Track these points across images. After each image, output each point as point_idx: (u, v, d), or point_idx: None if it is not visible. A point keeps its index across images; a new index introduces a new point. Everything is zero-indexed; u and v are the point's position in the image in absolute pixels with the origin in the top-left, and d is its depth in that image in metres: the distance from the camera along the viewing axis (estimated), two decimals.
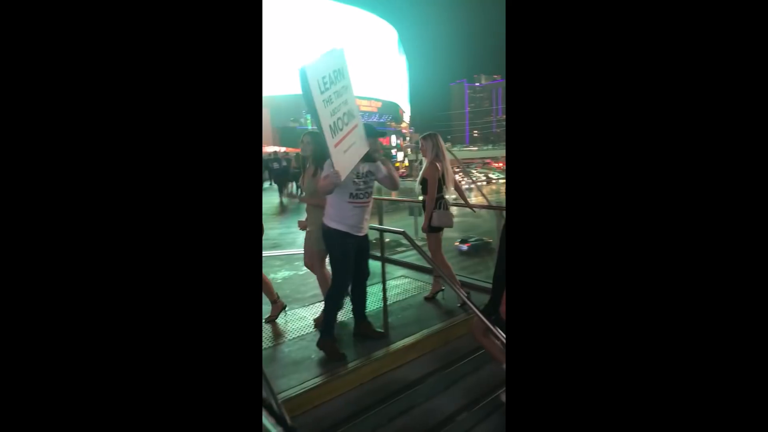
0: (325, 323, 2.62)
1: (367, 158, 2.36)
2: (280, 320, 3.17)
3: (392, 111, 48.18)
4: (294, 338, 2.90)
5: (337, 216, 2.42)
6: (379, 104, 44.34)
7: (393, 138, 45.57)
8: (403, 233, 2.85)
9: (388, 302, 3.35)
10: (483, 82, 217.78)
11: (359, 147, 2.15)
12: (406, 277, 4.13)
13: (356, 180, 2.36)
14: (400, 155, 45.77)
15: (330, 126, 1.95)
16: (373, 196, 2.56)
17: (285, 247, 5.35)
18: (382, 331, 2.89)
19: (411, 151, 46.58)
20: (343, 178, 2.10)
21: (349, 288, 2.70)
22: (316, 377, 2.41)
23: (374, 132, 2.49)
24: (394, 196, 5.48)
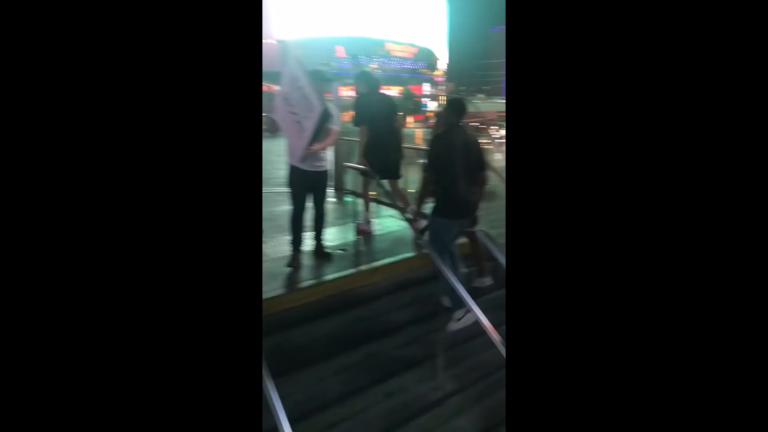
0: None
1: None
2: (269, 244, 3.67)
3: (428, 58, 46.38)
4: (279, 257, 3.40)
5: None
6: (416, 50, 42.83)
7: (426, 86, 44.30)
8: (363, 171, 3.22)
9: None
10: None
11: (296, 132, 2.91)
12: (392, 216, 4.54)
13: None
14: (431, 105, 44.71)
15: (285, 94, 2.89)
16: None
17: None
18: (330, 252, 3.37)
19: (444, 100, 45.17)
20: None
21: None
22: (287, 286, 2.91)
23: (321, 78, 3.04)
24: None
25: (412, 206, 3.24)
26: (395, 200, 3.81)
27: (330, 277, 3.09)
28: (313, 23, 29.39)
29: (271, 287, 2.92)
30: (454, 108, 2.79)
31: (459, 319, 2.79)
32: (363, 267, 3.28)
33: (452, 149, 2.64)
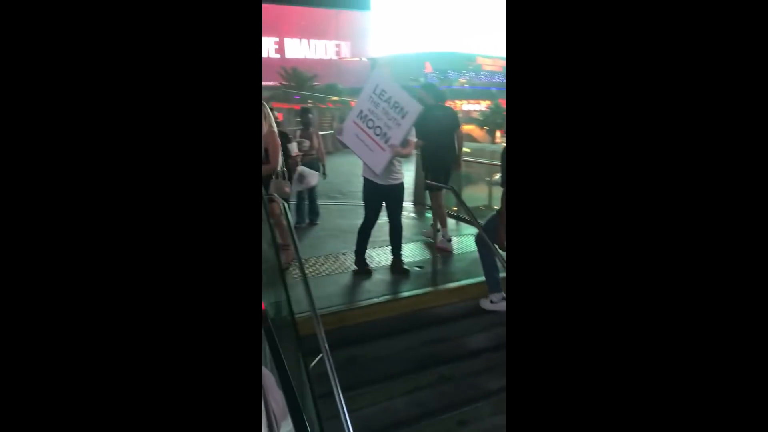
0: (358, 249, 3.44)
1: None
2: (349, 256, 3.77)
3: None
4: (356, 269, 3.47)
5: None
6: (504, 63, 41.72)
7: None
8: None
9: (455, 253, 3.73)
10: None
11: (370, 157, 3.02)
12: (473, 235, 4.41)
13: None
14: None
15: (361, 110, 2.98)
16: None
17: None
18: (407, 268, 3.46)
19: None
20: (337, 136, 3.22)
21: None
22: (365, 299, 2.95)
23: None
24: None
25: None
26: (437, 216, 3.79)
27: (406, 294, 3.08)
28: (404, 40, 30.11)
29: (347, 299, 2.98)
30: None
31: (492, 302, 3.05)
32: (440, 286, 3.22)
33: None
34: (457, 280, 3.30)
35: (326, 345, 1.85)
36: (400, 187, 3.25)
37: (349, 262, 3.63)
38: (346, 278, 3.34)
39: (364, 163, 3.16)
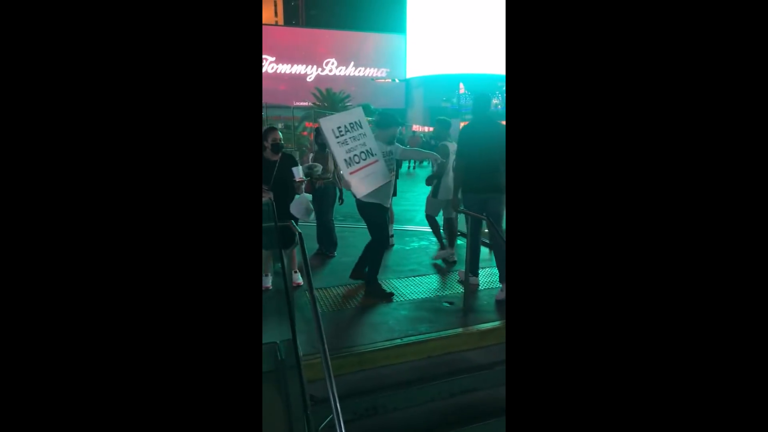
0: (372, 272, 3.33)
1: (389, 141, 3.25)
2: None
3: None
4: (378, 304, 3.18)
5: (371, 193, 3.13)
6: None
7: None
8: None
9: (482, 288, 3.40)
10: None
11: (378, 177, 3.06)
12: None
13: (386, 158, 3.19)
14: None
15: (345, 159, 2.91)
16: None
17: (403, 223, 5.68)
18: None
19: None
20: (359, 196, 3.07)
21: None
22: (388, 340, 2.65)
23: (390, 122, 3.33)
24: None
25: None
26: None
27: (433, 335, 2.76)
28: (438, 62, 30.19)
29: (367, 338, 2.69)
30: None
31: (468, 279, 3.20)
32: (472, 327, 2.88)
33: None
34: (490, 320, 2.95)
35: (337, 405, 1.56)
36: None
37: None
38: (366, 312, 3.06)
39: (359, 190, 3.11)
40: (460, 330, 2.84)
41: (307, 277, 2.07)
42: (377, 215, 3.22)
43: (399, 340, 2.67)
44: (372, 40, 31.85)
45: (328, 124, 2.95)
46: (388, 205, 3.34)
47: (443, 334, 2.78)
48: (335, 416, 1.59)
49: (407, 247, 4.59)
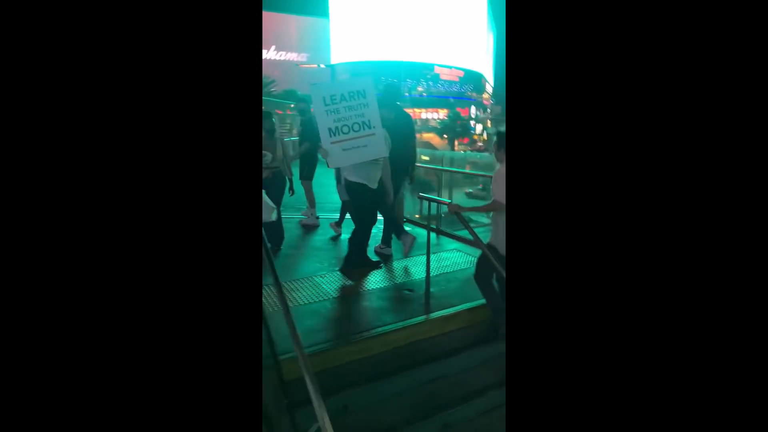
0: (351, 254, 3.40)
1: (385, 124, 3.05)
2: (325, 279, 3.32)
3: (474, 81, 46.20)
4: (337, 297, 3.03)
5: (357, 172, 3.12)
6: (461, 73, 42.75)
7: (472, 109, 43.94)
8: (450, 204, 2.82)
9: (436, 273, 3.37)
10: None
11: (369, 150, 2.92)
12: (458, 251, 4.09)
13: None
14: (478, 127, 44.23)
15: (329, 128, 2.83)
16: (439, 167, 3.72)
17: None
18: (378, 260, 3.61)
19: (491, 123, 44.77)
20: (332, 166, 3.07)
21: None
22: (352, 335, 2.52)
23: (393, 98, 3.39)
24: (468, 168, 5.51)
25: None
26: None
27: (399, 325, 2.68)
28: (363, 48, 30.01)
29: (331, 334, 2.54)
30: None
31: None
32: (435, 314, 2.84)
33: None
34: (452, 305, 2.94)
35: (325, 415, 1.41)
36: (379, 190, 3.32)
37: (329, 287, 3.19)
38: (327, 308, 2.90)
39: (349, 170, 3.13)
40: (423, 318, 2.79)
41: (272, 271, 1.87)
42: (361, 197, 3.13)
43: (366, 333, 2.55)
44: (294, 22, 30.69)
45: (319, 92, 2.84)
46: (375, 187, 3.19)
47: (408, 323, 2.70)
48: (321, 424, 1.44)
49: None
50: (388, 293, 3.11)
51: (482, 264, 2.63)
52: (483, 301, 2.92)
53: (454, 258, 3.88)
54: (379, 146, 2.96)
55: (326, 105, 2.80)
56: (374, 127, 2.91)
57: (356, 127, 2.87)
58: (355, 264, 3.39)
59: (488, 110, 49.06)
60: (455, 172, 6.33)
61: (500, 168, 2.42)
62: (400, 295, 3.08)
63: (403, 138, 3.48)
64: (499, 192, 2.36)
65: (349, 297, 3.04)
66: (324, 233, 4.54)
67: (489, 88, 52.79)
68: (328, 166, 3.07)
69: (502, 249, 2.46)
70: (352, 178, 3.14)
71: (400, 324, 2.67)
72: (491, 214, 2.61)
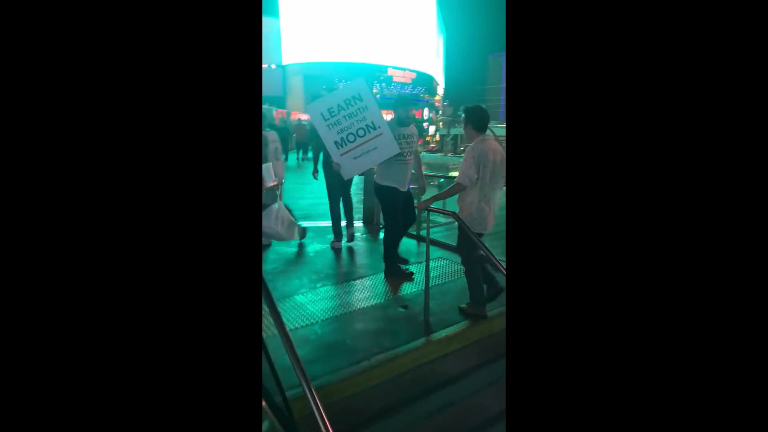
0: (388, 257, 3.31)
1: (404, 123, 3.01)
2: (309, 298, 3.01)
3: (426, 83, 46.75)
4: (327, 319, 2.73)
5: (387, 175, 3.05)
6: (413, 75, 43.08)
7: (425, 111, 44.41)
8: (454, 215, 2.62)
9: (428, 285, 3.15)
10: None
11: (382, 152, 2.81)
12: (444, 258, 3.89)
13: (399, 141, 2.94)
14: (431, 129, 44.78)
15: (335, 142, 2.80)
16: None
17: (316, 219, 5.19)
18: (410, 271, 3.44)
19: (443, 125, 45.50)
20: (347, 177, 3.03)
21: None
22: (352, 365, 2.24)
23: (406, 102, 3.08)
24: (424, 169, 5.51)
25: None
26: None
27: (401, 350, 2.42)
28: (316, 49, 29.41)
29: (328, 366, 2.24)
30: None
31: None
32: (436, 334, 2.61)
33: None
34: (453, 321, 2.73)
35: None
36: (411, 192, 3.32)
37: (315, 307, 2.88)
38: (316, 333, 2.59)
39: (379, 173, 3.08)
40: (424, 340, 2.55)
41: (267, 298, 1.57)
42: (391, 201, 3.09)
43: (366, 362, 2.27)
44: None
45: (317, 109, 2.81)
46: (404, 190, 3.17)
47: (410, 346, 2.45)
48: None
49: (330, 247, 4.14)
50: (381, 312, 2.84)
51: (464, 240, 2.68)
52: (483, 315, 2.73)
53: (443, 267, 3.68)
54: (389, 145, 2.83)
55: (326, 120, 2.75)
56: (379, 127, 2.81)
57: (361, 132, 2.81)
58: (389, 272, 3.31)
59: (440, 112, 49.84)
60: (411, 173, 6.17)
61: (469, 147, 2.54)
62: (395, 314, 2.83)
63: None
64: (462, 171, 2.44)
65: (340, 318, 2.74)
66: (307, 242, 4.19)
67: (440, 90, 53.70)
68: (346, 178, 3.10)
69: (475, 225, 2.58)
70: (383, 182, 3.08)
71: (403, 348, 2.41)
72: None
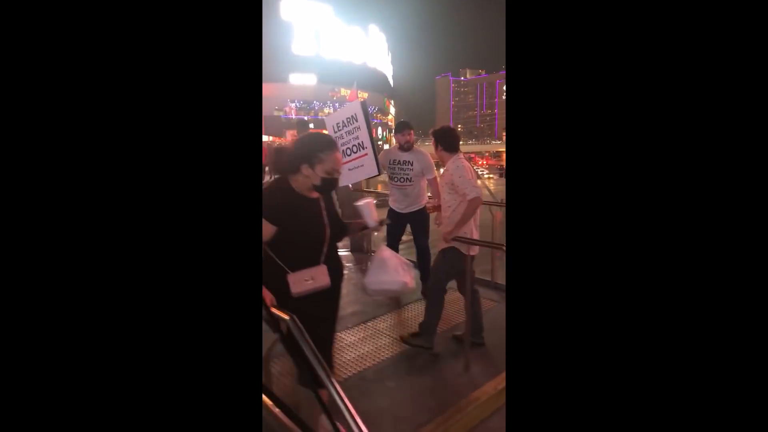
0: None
1: (403, 148, 3.19)
2: None
3: (379, 103, 47.29)
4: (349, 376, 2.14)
5: (390, 194, 3.36)
6: (365, 95, 43.63)
7: (379, 130, 44.80)
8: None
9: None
10: (468, 76, 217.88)
11: (364, 170, 3.08)
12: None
13: (391, 166, 3.21)
14: (386, 147, 45.22)
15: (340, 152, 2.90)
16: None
17: None
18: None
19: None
20: (340, 185, 2.82)
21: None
22: None
23: (400, 128, 3.24)
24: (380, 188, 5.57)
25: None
26: None
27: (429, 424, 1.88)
28: (265, 68, 29.01)
29: None
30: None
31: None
32: (481, 389, 2.10)
33: None
34: (498, 369, 2.24)
35: None
36: (421, 212, 3.25)
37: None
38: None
39: (391, 197, 3.30)
40: (465, 402, 2.03)
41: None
42: (389, 217, 3.19)
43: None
44: None
45: (330, 121, 3.16)
46: (403, 211, 3.28)
47: (456, 409, 1.92)
48: None
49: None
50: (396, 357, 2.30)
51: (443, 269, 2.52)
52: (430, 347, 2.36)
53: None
54: (370, 166, 3.04)
55: (335, 132, 3.08)
56: (366, 147, 3.04)
57: (355, 149, 3.07)
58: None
59: (392, 131, 50.62)
60: (372, 191, 5.86)
61: (452, 167, 2.44)
62: (417, 356, 2.29)
63: None
64: (468, 186, 2.35)
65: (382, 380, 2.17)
66: None
67: (393, 110, 54.58)
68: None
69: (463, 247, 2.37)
70: (391, 205, 3.31)
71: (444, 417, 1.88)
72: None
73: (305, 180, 1.56)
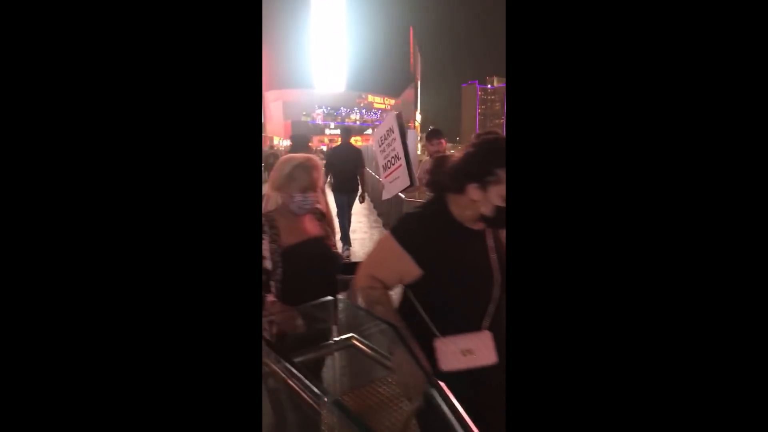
0: None
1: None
2: None
3: (405, 108, 47.52)
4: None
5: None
6: (393, 101, 44.02)
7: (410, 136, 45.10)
8: None
9: None
10: (495, 84, 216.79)
11: (400, 182, 3.13)
12: None
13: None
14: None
15: (383, 165, 3.22)
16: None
17: None
18: None
19: (420, 149, 46.42)
20: (385, 197, 3.35)
21: None
22: None
23: (430, 135, 3.49)
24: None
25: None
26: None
27: None
28: (295, 74, 29.59)
29: None
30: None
31: None
32: None
33: None
34: None
35: None
36: None
37: None
38: None
39: (384, 194, 3.49)
40: None
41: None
42: None
43: None
44: None
45: (375, 134, 3.30)
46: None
47: None
48: None
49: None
50: None
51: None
52: None
53: None
54: (404, 177, 3.09)
55: (379, 146, 3.21)
56: (400, 158, 3.08)
57: (393, 161, 3.12)
58: None
59: (418, 136, 50.99)
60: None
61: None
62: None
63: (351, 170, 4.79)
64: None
65: None
66: None
67: (418, 116, 55.00)
68: (385, 198, 3.57)
69: None
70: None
71: None
72: None
73: (472, 205, 1.11)
